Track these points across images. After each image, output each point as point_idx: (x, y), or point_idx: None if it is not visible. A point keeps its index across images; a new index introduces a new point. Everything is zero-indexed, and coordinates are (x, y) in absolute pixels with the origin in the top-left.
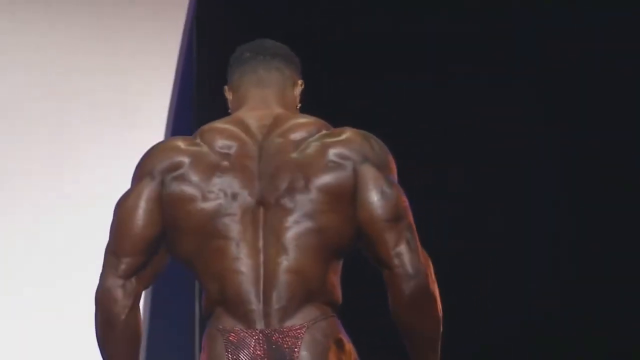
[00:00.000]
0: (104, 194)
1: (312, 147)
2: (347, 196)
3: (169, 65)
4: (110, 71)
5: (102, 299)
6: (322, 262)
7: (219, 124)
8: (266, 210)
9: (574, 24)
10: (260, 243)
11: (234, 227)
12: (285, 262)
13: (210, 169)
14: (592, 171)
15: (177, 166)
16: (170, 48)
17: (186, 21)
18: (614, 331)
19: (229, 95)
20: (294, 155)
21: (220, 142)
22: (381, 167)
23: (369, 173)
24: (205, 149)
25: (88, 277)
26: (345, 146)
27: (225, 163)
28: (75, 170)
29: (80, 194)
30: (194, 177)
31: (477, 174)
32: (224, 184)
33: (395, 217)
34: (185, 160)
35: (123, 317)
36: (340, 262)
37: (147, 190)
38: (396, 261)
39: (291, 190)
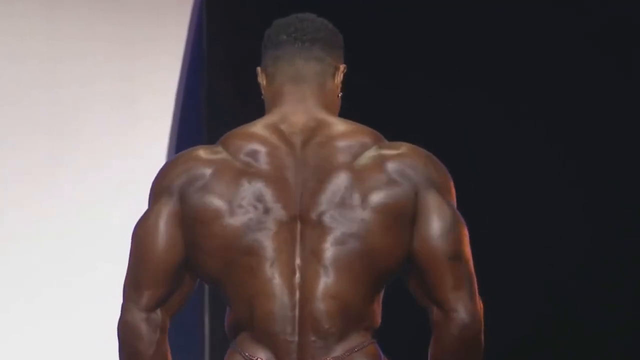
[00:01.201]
0: (105, 192)
1: (368, 160)
2: (405, 219)
3: (176, 52)
4: (112, 59)
5: (125, 335)
6: (366, 288)
7: (247, 129)
8: (305, 227)
9: None
10: (297, 262)
11: (267, 244)
12: (324, 285)
13: (237, 179)
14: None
15: (198, 178)
16: (177, 33)
17: (194, 4)
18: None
19: (262, 80)
20: (346, 167)
21: (247, 149)
22: (445, 195)
23: (433, 201)
24: (227, 156)
25: (90, 280)
26: (407, 164)
27: (254, 172)
28: (74, 167)
29: (80, 192)
30: (218, 188)
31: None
32: (253, 196)
33: (458, 256)
34: (207, 170)
35: (150, 353)
36: (384, 288)
37: (166, 210)
38: (453, 304)
39: (340, 206)
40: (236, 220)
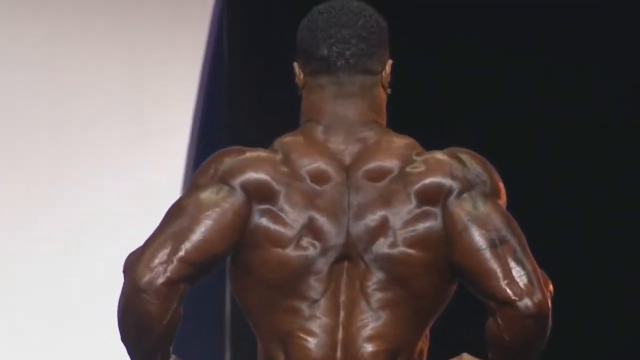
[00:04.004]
0: (113, 208)
1: (394, 185)
2: (441, 251)
3: (195, 59)
4: (124, 65)
5: (138, 298)
6: (415, 328)
7: (302, 143)
8: (352, 264)
9: None
10: (342, 299)
11: (317, 287)
12: (372, 326)
13: (306, 207)
14: None
15: (268, 193)
16: (197, 39)
17: (215, 6)
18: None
19: (299, 81)
20: (379, 197)
21: (311, 170)
22: (473, 189)
23: (456, 204)
24: (297, 175)
25: (99, 295)
26: (432, 184)
27: (319, 202)
28: (79, 183)
29: (86, 208)
30: (290, 216)
31: None
32: (316, 232)
33: (500, 239)
34: (280, 188)
35: (165, 322)
36: (432, 322)
37: (232, 202)
38: (510, 293)
39: (378, 245)
40: (293, 259)
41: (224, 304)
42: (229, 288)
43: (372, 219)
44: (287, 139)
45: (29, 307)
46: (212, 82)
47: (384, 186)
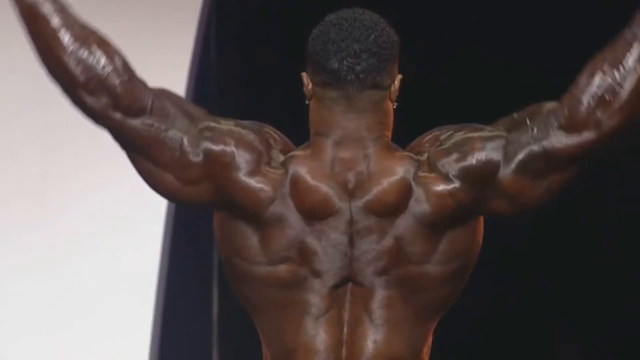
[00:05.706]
0: (111, 213)
1: (390, 200)
2: (441, 265)
3: (181, 64)
4: None
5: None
6: (418, 342)
7: (310, 162)
8: (354, 284)
9: None
10: (345, 317)
11: (314, 301)
12: (375, 343)
13: (302, 231)
14: None
15: (265, 207)
16: (184, 42)
17: (202, 9)
18: None
19: (307, 92)
20: (381, 221)
21: (314, 191)
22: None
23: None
24: (300, 195)
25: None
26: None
27: (319, 226)
28: (75, 190)
29: (81, 216)
30: (284, 238)
31: None
32: (310, 253)
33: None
34: (280, 207)
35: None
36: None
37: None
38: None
39: (380, 267)
40: (285, 278)
41: (212, 305)
42: (216, 289)
43: (373, 240)
44: (296, 153)
45: (27, 315)
46: (201, 84)
47: (385, 211)
